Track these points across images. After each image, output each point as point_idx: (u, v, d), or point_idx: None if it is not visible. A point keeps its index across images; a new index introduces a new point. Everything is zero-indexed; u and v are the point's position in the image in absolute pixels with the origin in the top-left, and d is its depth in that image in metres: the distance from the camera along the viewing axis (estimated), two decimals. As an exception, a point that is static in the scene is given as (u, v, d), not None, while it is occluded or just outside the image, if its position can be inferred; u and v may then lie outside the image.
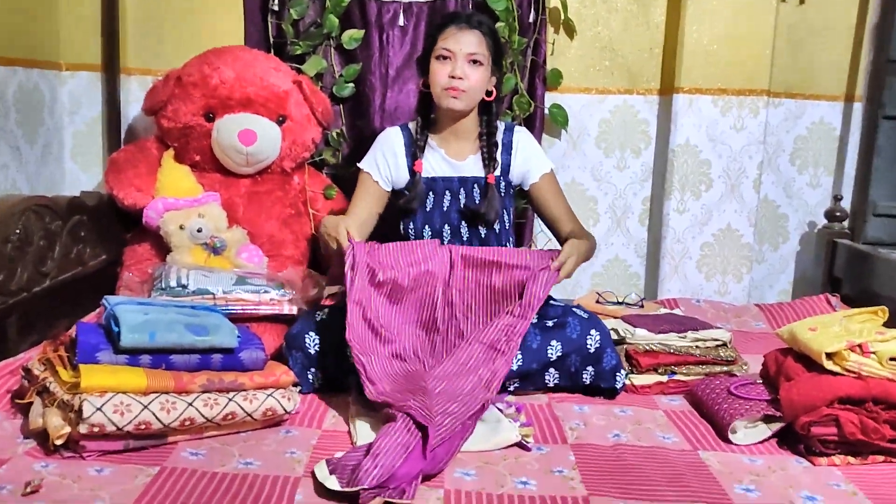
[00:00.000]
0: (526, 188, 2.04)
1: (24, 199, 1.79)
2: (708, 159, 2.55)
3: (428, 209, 1.97)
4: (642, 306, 2.30)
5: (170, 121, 2.21)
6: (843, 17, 2.66)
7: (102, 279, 2.07)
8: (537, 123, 2.52)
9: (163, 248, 2.12)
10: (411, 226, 1.99)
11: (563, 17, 2.51)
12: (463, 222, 1.99)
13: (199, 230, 2.07)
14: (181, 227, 2.07)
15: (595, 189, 2.67)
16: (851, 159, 2.69)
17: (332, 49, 2.47)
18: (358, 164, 2.01)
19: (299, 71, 2.38)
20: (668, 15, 2.57)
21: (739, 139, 2.54)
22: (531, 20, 2.46)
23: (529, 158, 2.02)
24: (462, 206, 1.98)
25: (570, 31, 2.55)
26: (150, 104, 2.23)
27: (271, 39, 2.43)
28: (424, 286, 1.78)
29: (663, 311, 2.24)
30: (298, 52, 2.42)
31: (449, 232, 1.98)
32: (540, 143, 2.51)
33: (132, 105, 2.47)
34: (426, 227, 1.98)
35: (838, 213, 2.60)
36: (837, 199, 2.61)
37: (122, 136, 2.46)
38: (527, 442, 1.49)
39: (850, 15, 2.65)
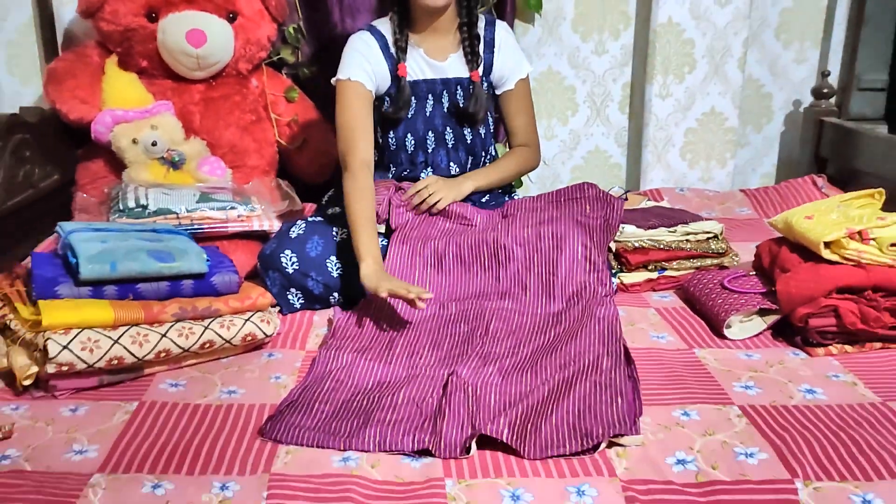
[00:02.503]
0: (498, 92, 1.91)
1: (-45, 120, 1.62)
2: (691, 38, 2.41)
3: (409, 116, 1.82)
4: (626, 199, 2.22)
5: (109, 23, 2.02)
6: None
7: (57, 201, 1.93)
8: (508, 9, 2.34)
9: (118, 163, 1.97)
10: (392, 135, 1.84)
11: None
12: (447, 127, 1.86)
13: (154, 143, 1.92)
14: (134, 142, 1.92)
15: (573, 77, 2.53)
16: (839, 32, 2.57)
17: (283, -67, 2.24)
18: (339, 77, 1.75)
19: (248, -40, 2.17)
20: None
21: (724, 15, 2.40)
22: None
23: (510, 60, 1.88)
24: (445, 109, 1.84)
25: None
26: (85, 5, 2.02)
27: (214, -76, 2.19)
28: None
29: (649, 202, 2.17)
30: (246, -62, 2.19)
31: (433, 138, 1.85)
32: (512, 28, 2.35)
33: (66, 7, 2.24)
34: (409, 135, 1.84)
35: (825, 90, 2.51)
36: (825, 74, 2.50)
37: (60, 42, 2.24)
38: None
39: None
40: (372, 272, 1.52)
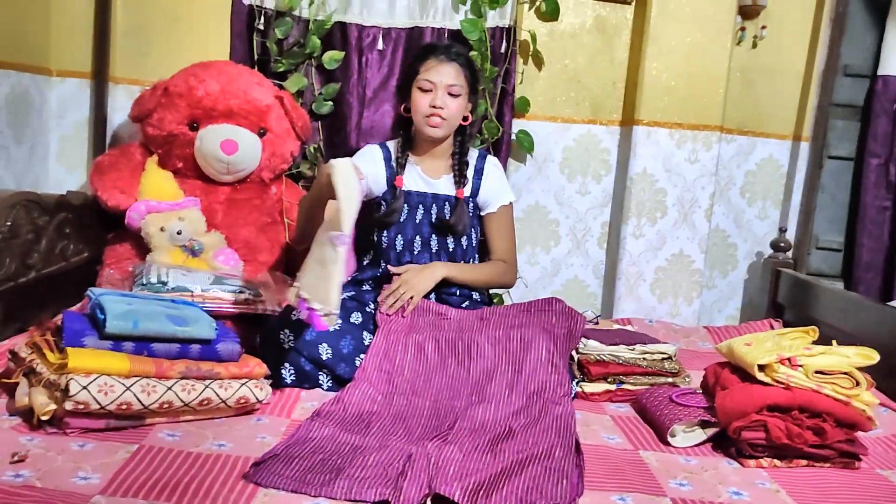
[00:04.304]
0: (483, 213, 2.20)
1: (14, 193, 1.87)
2: (664, 188, 2.72)
3: (401, 220, 2.11)
4: (597, 323, 2.43)
5: (155, 128, 2.31)
6: (793, 62, 2.86)
7: (84, 276, 2.15)
8: (504, 147, 2.66)
9: (142, 248, 2.21)
10: (384, 235, 2.12)
11: (532, 49, 2.67)
12: (433, 235, 2.13)
13: (179, 232, 2.16)
14: (161, 229, 2.16)
15: (557, 212, 2.82)
16: (797, 195, 2.88)
17: (314, 68, 2.60)
18: None
19: (281, 87, 2.50)
20: (630, 52, 2.75)
21: (693, 171, 2.72)
22: (502, 50, 2.62)
23: (495, 187, 2.21)
24: (433, 219, 2.12)
25: (539, 63, 2.72)
26: (137, 112, 2.33)
27: (256, 56, 2.55)
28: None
29: (617, 327, 2.38)
30: (281, 69, 2.55)
31: (420, 243, 2.12)
32: (506, 166, 2.66)
33: (118, 112, 2.56)
34: (399, 236, 2.12)
35: (783, 244, 2.78)
36: (782, 230, 2.79)
37: (107, 141, 2.55)
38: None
39: (800, 60, 2.86)
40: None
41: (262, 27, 2.54)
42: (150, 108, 2.29)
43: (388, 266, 2.11)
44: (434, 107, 2.04)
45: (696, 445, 1.69)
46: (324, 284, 1.65)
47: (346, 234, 1.62)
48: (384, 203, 2.12)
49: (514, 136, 2.68)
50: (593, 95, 2.76)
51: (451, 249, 2.14)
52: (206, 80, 2.29)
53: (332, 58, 2.58)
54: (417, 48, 2.36)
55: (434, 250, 2.14)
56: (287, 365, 1.83)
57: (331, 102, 2.60)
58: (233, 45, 2.56)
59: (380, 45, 2.61)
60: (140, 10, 2.51)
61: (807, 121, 2.88)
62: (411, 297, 1.99)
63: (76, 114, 2.55)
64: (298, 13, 2.56)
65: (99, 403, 1.43)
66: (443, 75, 2.06)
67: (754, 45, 2.83)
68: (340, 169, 1.65)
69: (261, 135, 2.35)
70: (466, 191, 2.15)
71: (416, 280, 2.03)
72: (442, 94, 2.05)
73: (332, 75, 2.61)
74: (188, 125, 2.30)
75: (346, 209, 1.61)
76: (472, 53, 2.52)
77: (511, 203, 2.23)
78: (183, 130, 2.30)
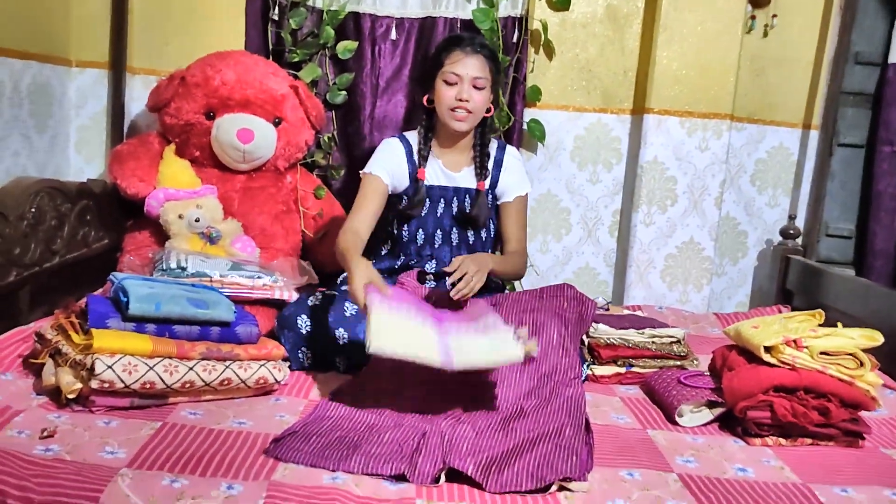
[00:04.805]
0: (499, 202, 2.22)
1: (38, 180, 1.92)
2: (674, 176, 2.74)
3: (423, 214, 2.13)
4: (608, 309, 2.47)
5: (172, 118, 2.36)
6: (803, 50, 2.87)
7: (104, 263, 2.20)
8: (515, 136, 2.69)
9: (161, 236, 2.26)
10: (405, 229, 2.15)
11: (543, 38, 2.70)
12: (454, 228, 2.16)
13: (197, 220, 2.21)
14: (180, 217, 2.21)
15: (568, 200, 2.85)
16: (807, 183, 2.90)
17: (328, 58, 2.63)
18: (364, 170, 2.12)
19: (296, 77, 2.54)
20: (641, 41, 2.77)
21: (703, 159, 2.74)
22: (514, 40, 2.65)
23: (513, 178, 2.21)
24: (454, 212, 2.15)
25: (550, 52, 2.74)
26: (155, 101, 2.38)
27: (270, 46, 2.59)
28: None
29: (627, 313, 2.41)
30: (296, 59, 2.58)
31: (441, 236, 2.15)
32: (518, 155, 2.70)
33: (135, 102, 2.61)
34: (420, 230, 2.14)
35: (792, 231, 2.80)
36: (791, 217, 2.81)
37: (125, 131, 2.60)
38: (532, 355, 1.54)
39: (810, 48, 2.87)
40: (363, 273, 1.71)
41: (276, 17, 2.58)
42: (168, 97, 2.34)
43: (444, 269, 1.96)
44: (460, 100, 2.04)
45: (704, 425, 1.73)
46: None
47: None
48: (406, 197, 2.15)
49: (525, 126, 2.71)
50: (604, 84, 2.79)
51: (471, 242, 2.17)
52: (222, 70, 2.34)
53: (345, 48, 2.61)
54: (440, 39, 2.37)
55: (455, 243, 2.16)
56: (304, 349, 1.88)
57: (344, 92, 2.64)
58: (248, 35, 2.60)
59: (393, 35, 2.64)
60: (157, 2, 2.55)
61: (817, 109, 2.89)
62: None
63: (95, 104, 2.60)
64: (312, 3, 2.59)
65: (123, 382, 1.48)
66: (469, 68, 2.04)
67: (765, 34, 2.84)
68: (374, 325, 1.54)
69: (276, 124, 2.39)
70: (487, 182, 2.16)
71: (479, 269, 1.90)
72: (468, 87, 2.04)
73: (346, 65, 2.64)
74: (205, 114, 2.34)
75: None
76: (485, 43, 2.54)
77: (527, 193, 2.24)
78: (200, 119, 2.34)
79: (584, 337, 2.02)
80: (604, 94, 2.79)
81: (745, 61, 2.77)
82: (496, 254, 2.21)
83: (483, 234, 2.19)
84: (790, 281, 2.75)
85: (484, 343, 1.59)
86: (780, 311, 2.58)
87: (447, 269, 1.90)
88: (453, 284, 1.84)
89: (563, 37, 2.75)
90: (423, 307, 1.75)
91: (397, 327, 1.56)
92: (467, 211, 2.15)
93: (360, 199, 2.08)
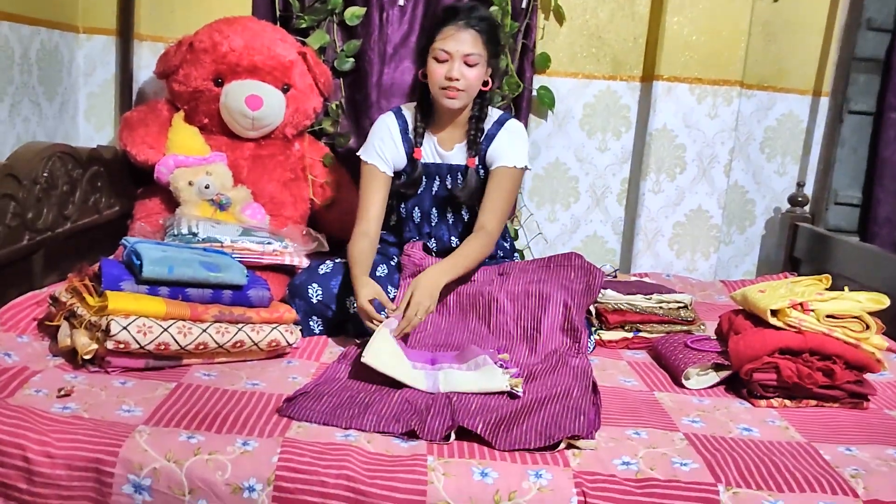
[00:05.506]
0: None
1: (50, 145, 1.94)
2: (683, 144, 2.73)
3: (419, 192, 2.10)
4: (615, 276, 2.48)
5: (181, 84, 2.36)
6: (815, 16, 2.84)
7: (115, 229, 2.22)
8: (525, 104, 2.68)
9: (171, 203, 2.27)
10: (402, 207, 2.13)
11: (553, 4, 2.68)
12: (448, 205, 2.11)
13: (207, 186, 2.22)
14: (190, 183, 2.22)
15: (577, 169, 2.85)
16: (816, 150, 2.89)
17: (335, 24, 2.62)
18: (361, 156, 2.05)
19: (304, 43, 2.53)
20: (651, 6, 2.74)
21: (713, 126, 2.73)
22: (523, 6, 2.62)
23: (501, 149, 2.04)
24: (447, 190, 2.10)
25: (560, 18, 2.72)
26: (163, 68, 2.38)
27: (278, 12, 2.57)
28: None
29: (634, 279, 2.42)
30: (303, 25, 2.57)
31: (436, 214, 2.10)
32: (527, 123, 2.68)
33: (143, 70, 2.61)
34: (416, 208, 2.11)
35: (800, 199, 2.80)
36: (800, 185, 2.80)
37: (133, 98, 2.60)
38: (516, 391, 1.56)
39: (821, 14, 2.84)
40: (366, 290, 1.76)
41: (284, -17, 2.56)
42: (176, 64, 2.34)
43: (386, 310, 1.81)
44: (450, 78, 1.93)
45: (710, 387, 1.75)
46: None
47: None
48: (404, 174, 2.10)
49: (534, 93, 2.70)
50: (614, 51, 2.77)
51: (465, 220, 2.12)
52: (230, 36, 2.33)
53: (353, 14, 2.60)
54: (439, 10, 2.29)
55: (451, 221, 2.11)
56: (315, 317, 1.90)
57: (352, 59, 2.63)
58: (255, 1, 2.59)
59: (400, 1, 2.62)
60: (164, -32, 2.54)
61: (827, 75, 2.86)
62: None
63: (103, 71, 2.60)
64: (320, -31, 2.58)
65: (138, 343, 1.51)
66: (460, 43, 1.91)
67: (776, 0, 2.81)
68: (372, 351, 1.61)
69: (284, 91, 2.39)
70: (476, 160, 2.05)
71: (429, 298, 1.79)
72: (458, 64, 1.91)
73: (354, 32, 2.63)
74: (213, 81, 2.34)
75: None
76: (493, 9, 2.51)
77: (516, 167, 2.02)
78: (208, 86, 2.34)
79: (595, 304, 2.04)
80: (613, 60, 2.78)
81: (756, 27, 2.74)
82: (449, 256, 1.93)
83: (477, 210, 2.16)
84: (798, 249, 2.75)
85: (471, 376, 1.63)
86: (786, 278, 2.59)
87: (399, 305, 1.79)
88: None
89: (572, 2, 2.72)
90: (423, 356, 1.77)
91: (393, 357, 1.63)
92: (456, 188, 2.06)
93: (365, 196, 2.02)
